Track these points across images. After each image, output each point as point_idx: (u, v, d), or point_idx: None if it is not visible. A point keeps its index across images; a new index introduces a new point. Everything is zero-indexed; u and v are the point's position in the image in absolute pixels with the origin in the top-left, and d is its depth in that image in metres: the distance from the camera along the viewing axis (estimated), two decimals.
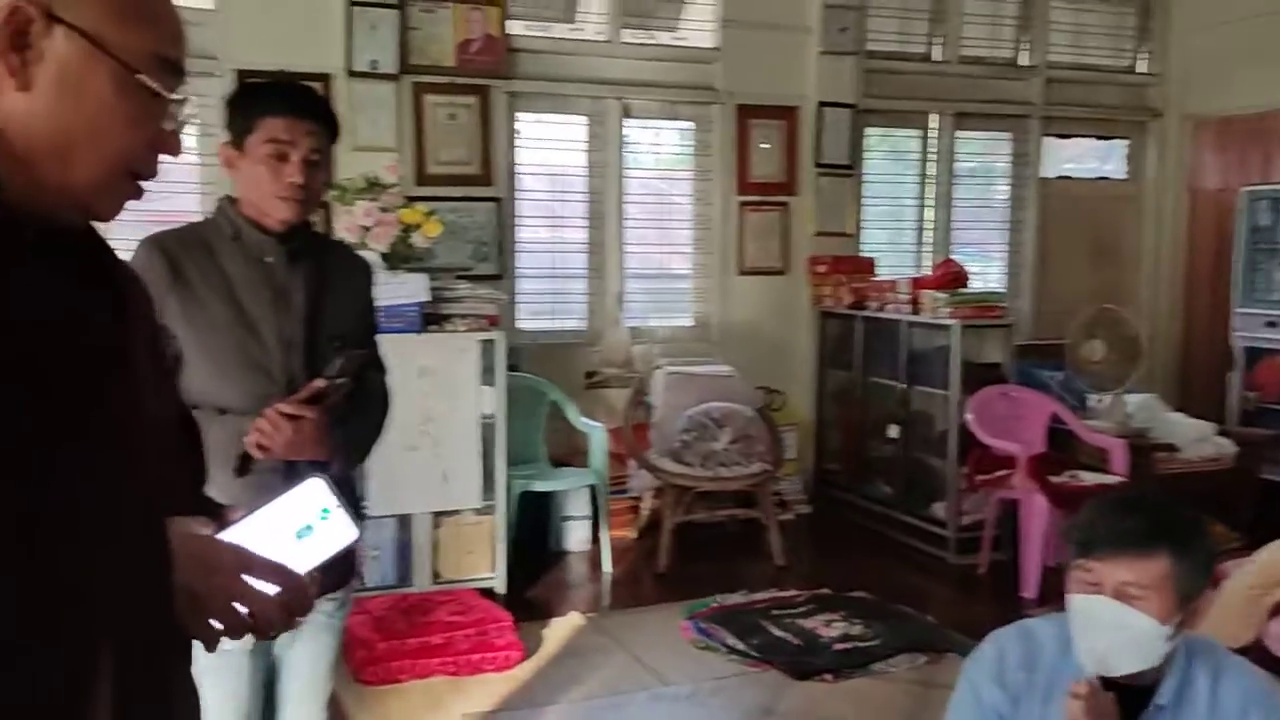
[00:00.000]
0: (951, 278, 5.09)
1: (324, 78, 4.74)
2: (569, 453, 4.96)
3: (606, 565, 4.68)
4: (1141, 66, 6.52)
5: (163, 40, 0.91)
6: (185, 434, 1.16)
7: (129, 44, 0.87)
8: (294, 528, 1.09)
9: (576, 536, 4.89)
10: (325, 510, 1.10)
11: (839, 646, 3.81)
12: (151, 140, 0.92)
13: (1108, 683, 1.63)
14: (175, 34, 0.93)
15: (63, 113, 0.86)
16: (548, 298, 5.44)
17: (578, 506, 4.87)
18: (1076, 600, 1.65)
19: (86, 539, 0.85)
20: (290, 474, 1.95)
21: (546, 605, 4.25)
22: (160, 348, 1.07)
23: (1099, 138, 6.61)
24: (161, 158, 0.94)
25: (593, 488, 4.76)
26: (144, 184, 0.94)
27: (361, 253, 2.51)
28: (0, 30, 0.83)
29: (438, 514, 4.13)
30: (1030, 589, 4.40)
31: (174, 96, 0.92)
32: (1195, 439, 4.81)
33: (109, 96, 0.87)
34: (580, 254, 5.47)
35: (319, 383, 1.87)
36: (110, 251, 0.97)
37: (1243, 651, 3.41)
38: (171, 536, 0.96)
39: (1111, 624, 1.61)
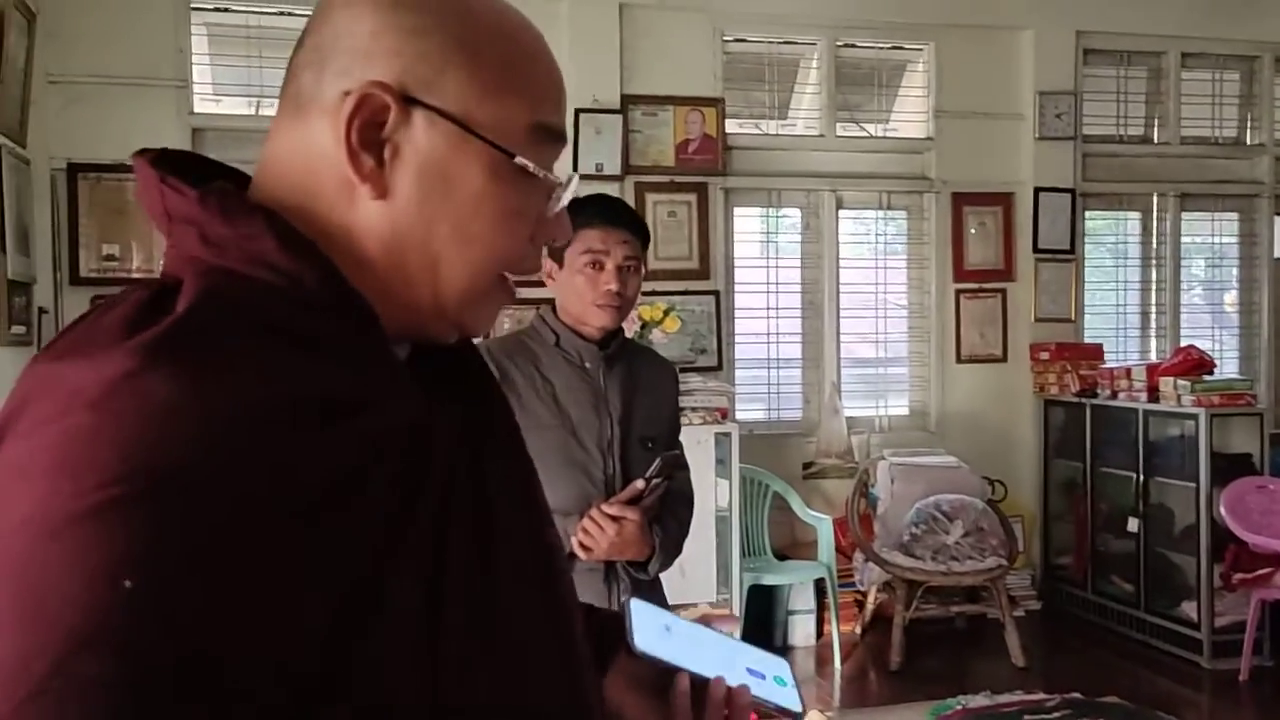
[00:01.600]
0: (1194, 364, 4.86)
1: None
2: (791, 545, 4.93)
3: (838, 661, 4.59)
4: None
5: (540, 106, 0.74)
6: None
7: (502, 120, 0.71)
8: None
9: (802, 631, 4.83)
10: (780, 679, 1.00)
11: None
12: (533, 231, 0.76)
13: None
14: (554, 94, 0.76)
15: (429, 216, 0.70)
16: (764, 389, 5.48)
17: (803, 600, 4.82)
18: None
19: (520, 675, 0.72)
20: (608, 575, 2.02)
21: None
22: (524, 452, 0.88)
23: None
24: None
25: (819, 581, 4.71)
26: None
27: None
28: (349, 127, 0.68)
29: (674, 608, 4.14)
30: None
31: (555, 176, 0.75)
32: None
33: (481, 187, 0.71)
34: (796, 344, 5.50)
35: (639, 484, 1.95)
36: (480, 359, 0.84)
37: None
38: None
39: None
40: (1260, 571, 4.34)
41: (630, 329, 4.04)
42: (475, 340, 0.87)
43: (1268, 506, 4.54)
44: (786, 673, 1.02)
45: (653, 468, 1.96)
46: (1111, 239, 6.01)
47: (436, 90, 0.69)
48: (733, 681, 0.93)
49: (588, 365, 2.03)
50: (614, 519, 1.91)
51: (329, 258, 0.68)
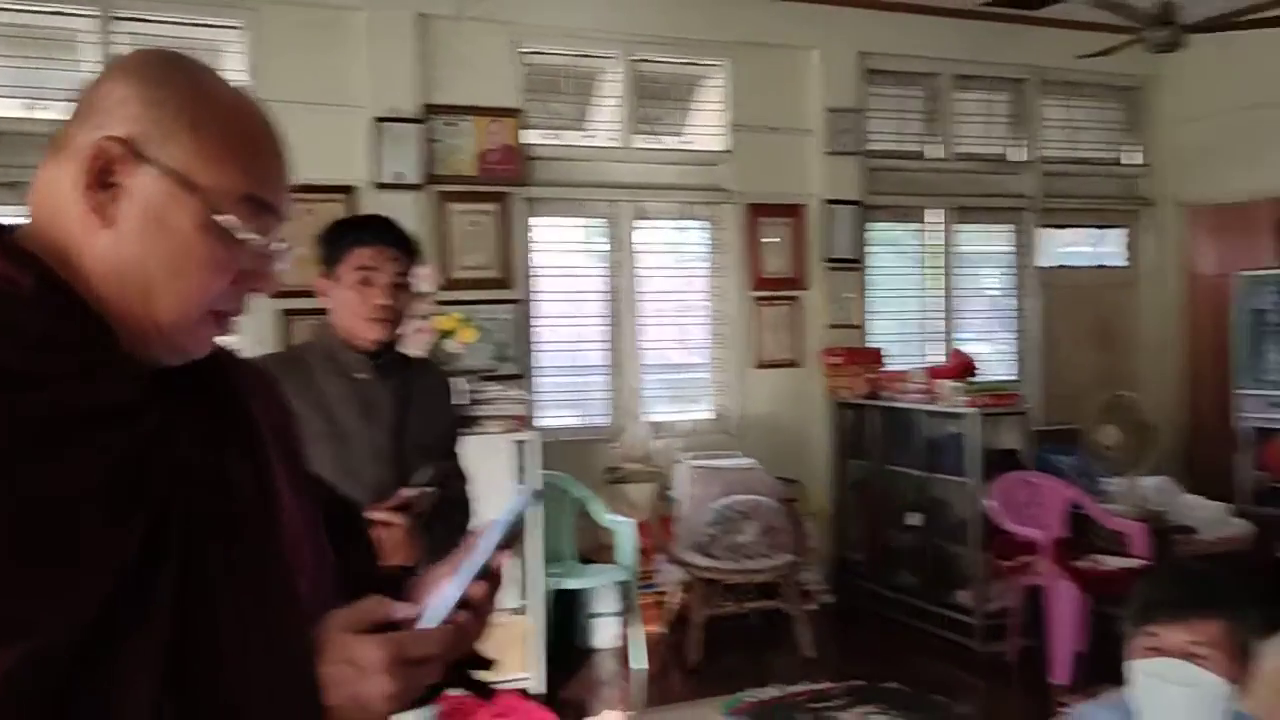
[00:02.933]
0: (962, 367, 5.21)
1: (350, 190, 4.91)
2: (594, 549, 5.00)
3: (639, 662, 4.68)
4: (1132, 158, 6.77)
5: (255, 180, 0.90)
6: (345, 519, 1.19)
7: (218, 186, 0.87)
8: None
9: (605, 633, 4.90)
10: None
11: None
12: (236, 279, 0.91)
13: None
14: (272, 174, 0.92)
15: (144, 250, 0.86)
16: (567, 395, 5.54)
17: (605, 603, 4.90)
18: (1143, 665, 1.72)
19: (239, 660, 0.85)
20: None
21: (583, 705, 4.25)
22: (296, 444, 1.07)
23: (1096, 227, 6.82)
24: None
25: (622, 583, 4.79)
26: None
27: None
28: (87, 166, 0.85)
29: None
30: (1062, 674, 4.41)
31: (256, 238, 0.90)
32: (1212, 520, 4.89)
33: (189, 235, 0.87)
34: (599, 352, 5.58)
35: (406, 491, 1.98)
36: (232, 363, 0.99)
37: None
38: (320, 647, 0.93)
39: (1180, 682, 1.67)
40: (1022, 559, 4.68)
41: (424, 341, 4.02)
42: (245, 356, 1.07)
43: (1032, 499, 4.90)
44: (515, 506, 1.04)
45: (418, 475, 2.00)
46: (894, 249, 6.36)
47: (164, 151, 0.87)
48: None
49: (360, 376, 2.10)
50: (382, 524, 1.92)
51: (51, 268, 0.85)
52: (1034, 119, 6.48)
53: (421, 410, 2.14)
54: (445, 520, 2.09)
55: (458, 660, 1.01)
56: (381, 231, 2.11)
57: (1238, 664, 1.69)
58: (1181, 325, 6.64)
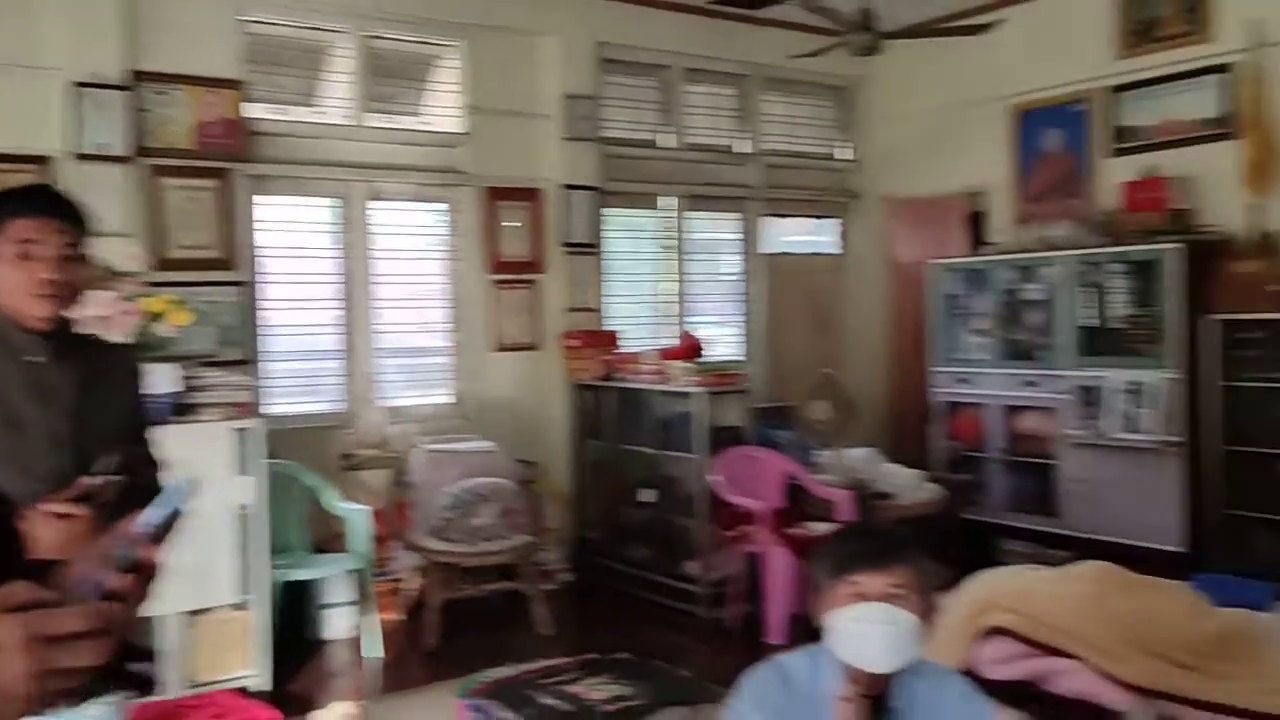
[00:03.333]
0: (691, 348, 5.45)
1: (44, 160, 4.54)
2: (329, 538, 4.88)
3: (373, 650, 4.62)
4: (844, 153, 7.28)
5: None
6: None
7: None
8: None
9: (339, 624, 4.80)
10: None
11: (608, 708, 3.95)
12: None
13: None
14: None
15: None
16: (300, 381, 5.36)
17: (339, 593, 4.79)
18: (848, 611, 1.90)
19: None
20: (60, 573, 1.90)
21: (313, 699, 4.15)
22: None
23: (813, 217, 7.30)
24: None
25: (356, 572, 4.70)
26: None
27: None
28: None
29: (192, 613, 3.96)
30: (777, 635, 4.73)
31: None
32: (909, 486, 5.37)
33: None
34: (332, 336, 5.43)
35: (87, 480, 1.87)
36: None
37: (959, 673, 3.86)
38: None
39: (883, 621, 1.88)
40: (745, 529, 4.98)
41: (130, 324, 3.77)
42: None
43: (753, 472, 5.22)
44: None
45: (101, 462, 1.89)
46: (630, 234, 6.55)
47: None
48: None
49: (34, 359, 1.95)
50: (60, 516, 1.81)
51: None
52: (756, 113, 6.85)
53: (104, 394, 2.02)
54: (132, 509, 1.99)
55: (116, 653, 0.98)
56: (44, 202, 1.98)
57: (925, 603, 1.94)
58: (885, 309, 7.24)
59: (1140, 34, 5.79)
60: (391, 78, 5.60)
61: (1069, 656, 3.57)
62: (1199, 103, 5.58)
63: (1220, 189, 5.42)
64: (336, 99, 5.45)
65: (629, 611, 5.35)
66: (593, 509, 5.98)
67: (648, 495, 5.54)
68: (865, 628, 1.88)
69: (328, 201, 5.44)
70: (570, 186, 5.98)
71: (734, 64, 6.69)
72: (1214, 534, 5.25)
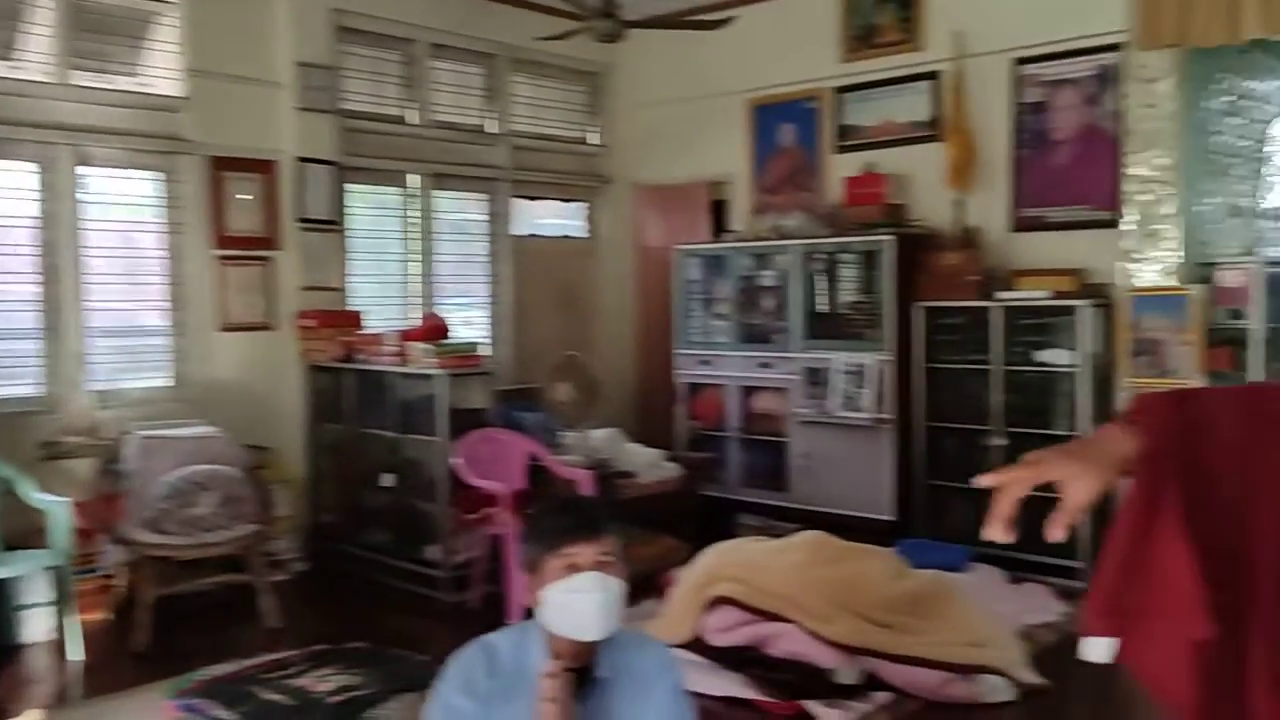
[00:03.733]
0: (434, 329, 5.36)
1: None
2: (27, 533, 4.46)
3: (75, 653, 4.27)
4: (593, 138, 7.37)
5: None
6: None
7: None
8: None
9: (38, 626, 4.41)
10: None
11: (334, 699, 3.83)
12: None
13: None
14: None
15: None
16: None
17: (39, 592, 4.40)
18: (561, 584, 1.92)
19: None
20: None
21: (5, 708, 3.79)
22: None
23: (563, 200, 7.34)
24: None
25: (55, 569, 4.33)
26: None
27: None
28: None
29: None
30: (517, 616, 4.74)
31: None
32: (649, 465, 5.52)
33: None
34: (32, 313, 4.96)
35: None
36: None
37: (686, 644, 4.01)
38: None
39: (597, 589, 1.93)
40: (487, 511, 4.95)
41: None
42: None
43: (493, 454, 5.20)
44: None
45: None
46: (375, 212, 6.36)
47: None
48: None
49: None
50: None
51: None
52: (505, 94, 6.81)
53: None
54: None
55: None
56: None
57: (626, 569, 2.01)
58: (633, 293, 7.39)
59: (861, 39, 6.18)
60: (102, 33, 5.17)
61: (784, 620, 3.78)
62: (912, 106, 6.02)
63: (929, 186, 5.87)
64: (36, 53, 4.97)
65: (368, 599, 5.22)
66: (330, 495, 5.78)
67: (388, 480, 5.41)
68: (581, 597, 1.92)
69: (29, 166, 4.96)
70: (306, 160, 5.73)
71: (481, 42, 6.61)
72: (920, 503, 5.70)
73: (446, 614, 5.02)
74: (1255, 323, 5.21)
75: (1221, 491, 1.16)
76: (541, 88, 7.06)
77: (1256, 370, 5.17)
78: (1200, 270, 5.28)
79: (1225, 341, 5.26)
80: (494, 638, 2.07)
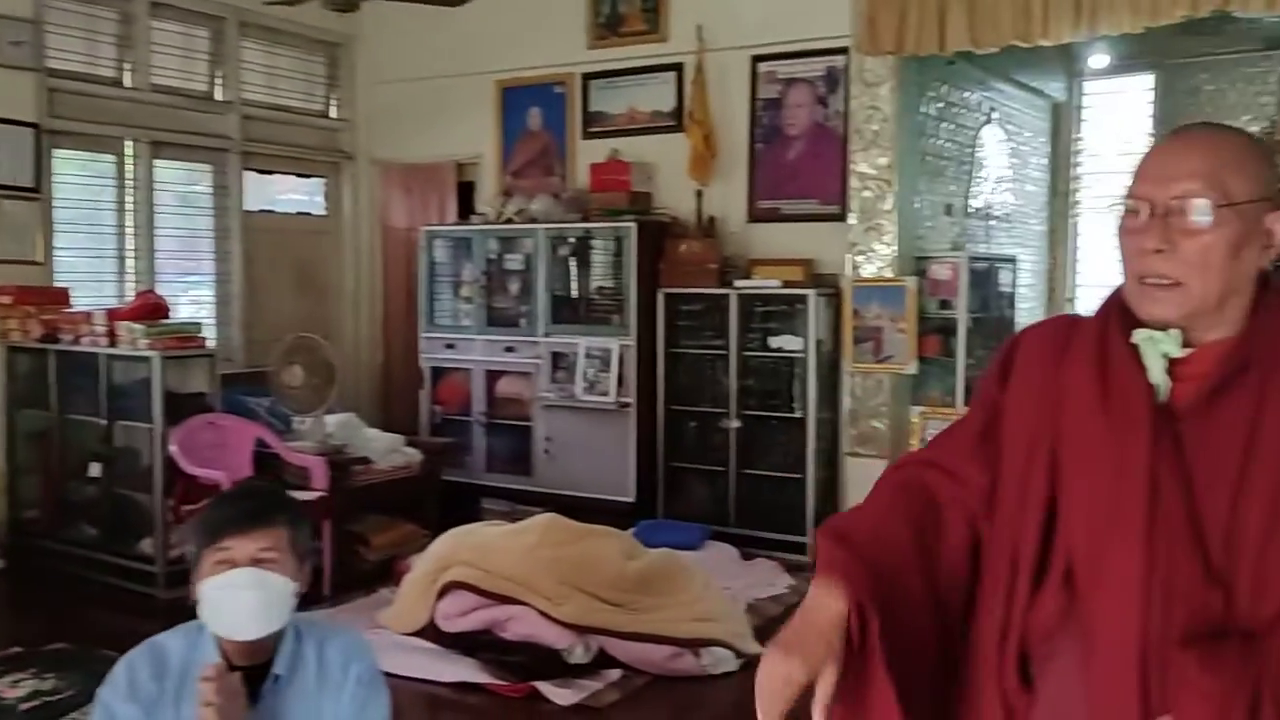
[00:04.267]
0: (150, 308, 4.99)
1: None
2: None
3: None
4: (334, 112, 7.07)
5: None
6: None
7: None
8: None
9: None
10: None
11: (26, 706, 3.51)
12: None
13: (231, 666, 1.82)
14: None
15: None
16: None
17: None
18: (214, 580, 1.80)
19: None
20: None
21: None
22: None
23: (299, 175, 7.01)
24: None
25: None
26: None
27: None
28: None
29: None
30: None
31: None
32: (387, 451, 5.36)
33: None
34: None
35: None
36: None
37: (421, 631, 3.93)
38: None
39: (250, 586, 1.80)
40: (206, 502, 4.65)
41: None
42: None
43: (217, 441, 4.89)
44: None
45: None
46: (87, 180, 5.83)
47: None
48: None
49: None
50: None
51: None
52: (235, 60, 6.41)
53: None
54: None
55: None
56: None
57: (300, 565, 1.89)
58: (378, 274, 7.17)
59: (608, 27, 6.24)
60: None
61: (518, 603, 3.77)
62: (656, 96, 6.14)
63: (673, 175, 6.01)
64: None
65: (75, 598, 4.79)
66: (30, 487, 5.27)
67: (96, 469, 4.98)
68: (232, 594, 1.81)
69: None
70: (0, 120, 5.17)
71: (207, 3, 6.20)
72: (660, 485, 5.85)
73: (163, 611, 4.67)
74: (961, 313, 5.68)
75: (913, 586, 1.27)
76: (277, 55, 6.70)
77: (962, 355, 5.64)
78: (916, 263, 5.70)
79: (937, 330, 5.71)
80: (164, 638, 1.92)
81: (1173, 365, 1.23)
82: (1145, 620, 1.15)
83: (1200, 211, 1.18)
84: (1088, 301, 8.13)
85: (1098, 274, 8.07)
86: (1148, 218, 1.21)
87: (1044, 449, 1.27)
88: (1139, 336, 1.24)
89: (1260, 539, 1.13)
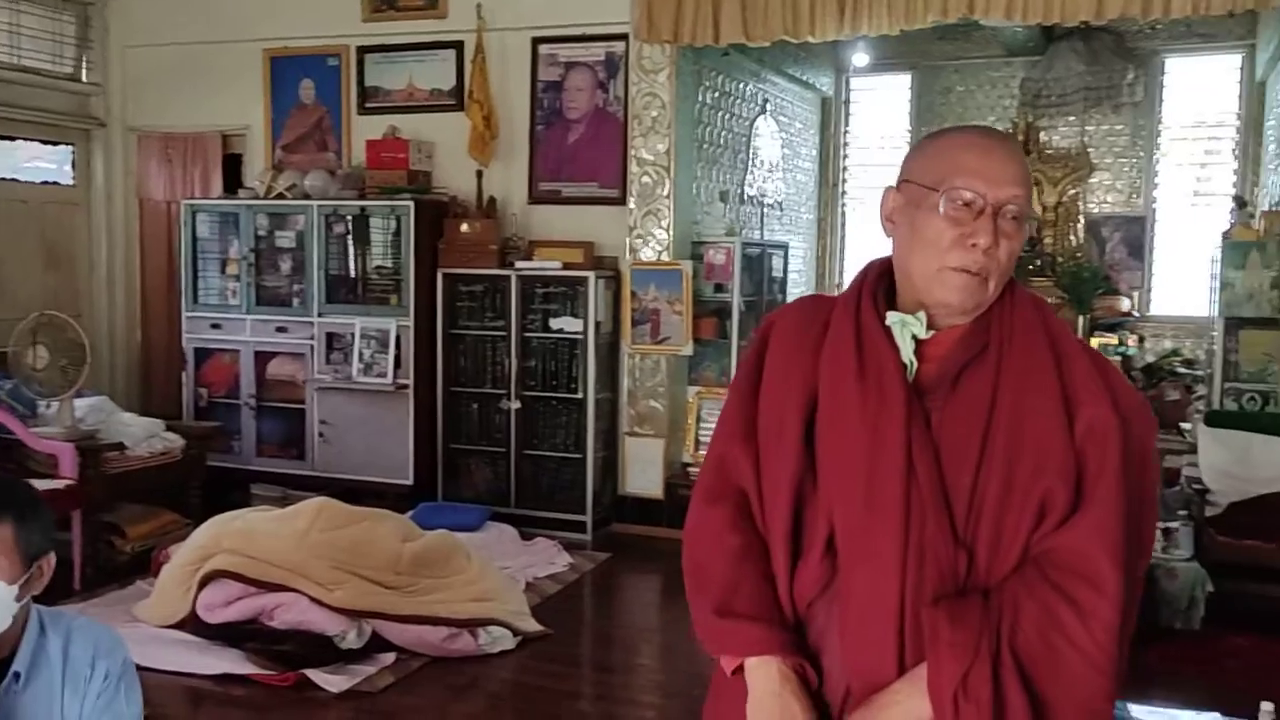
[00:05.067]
0: None
1: None
2: None
3: None
4: (85, 76, 6.56)
5: None
6: None
7: None
8: None
9: None
10: None
11: None
12: None
13: None
14: None
15: None
16: None
17: None
18: None
19: None
20: None
21: None
22: None
23: (46, 142, 6.46)
24: None
25: None
26: None
27: None
28: None
29: None
30: None
31: None
32: (145, 436, 5.05)
33: None
34: None
35: None
36: None
37: (181, 623, 3.75)
38: None
39: None
40: None
41: None
42: None
43: None
44: None
45: None
46: None
47: None
48: None
49: None
50: None
51: None
52: None
53: None
54: None
55: None
56: None
57: (21, 565, 1.74)
58: (134, 249, 6.72)
59: (384, 0, 6.08)
60: None
61: (287, 590, 3.65)
62: (436, 73, 6.04)
63: (453, 155, 5.93)
64: None
65: None
66: None
67: None
68: None
69: None
70: None
71: None
72: (440, 467, 5.79)
73: None
74: (735, 296, 5.90)
75: None
76: (21, 13, 6.14)
77: (736, 336, 5.87)
78: (692, 248, 5.87)
79: (712, 312, 5.91)
80: None
81: (918, 346, 1.32)
82: (903, 584, 1.25)
83: (1017, 218, 1.29)
84: None
85: (864, 260, 8.59)
86: (979, 213, 1.29)
87: (796, 427, 1.34)
88: (892, 319, 1.33)
89: (997, 506, 1.25)
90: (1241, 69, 7.42)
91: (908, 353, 1.32)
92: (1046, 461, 1.25)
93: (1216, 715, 2.60)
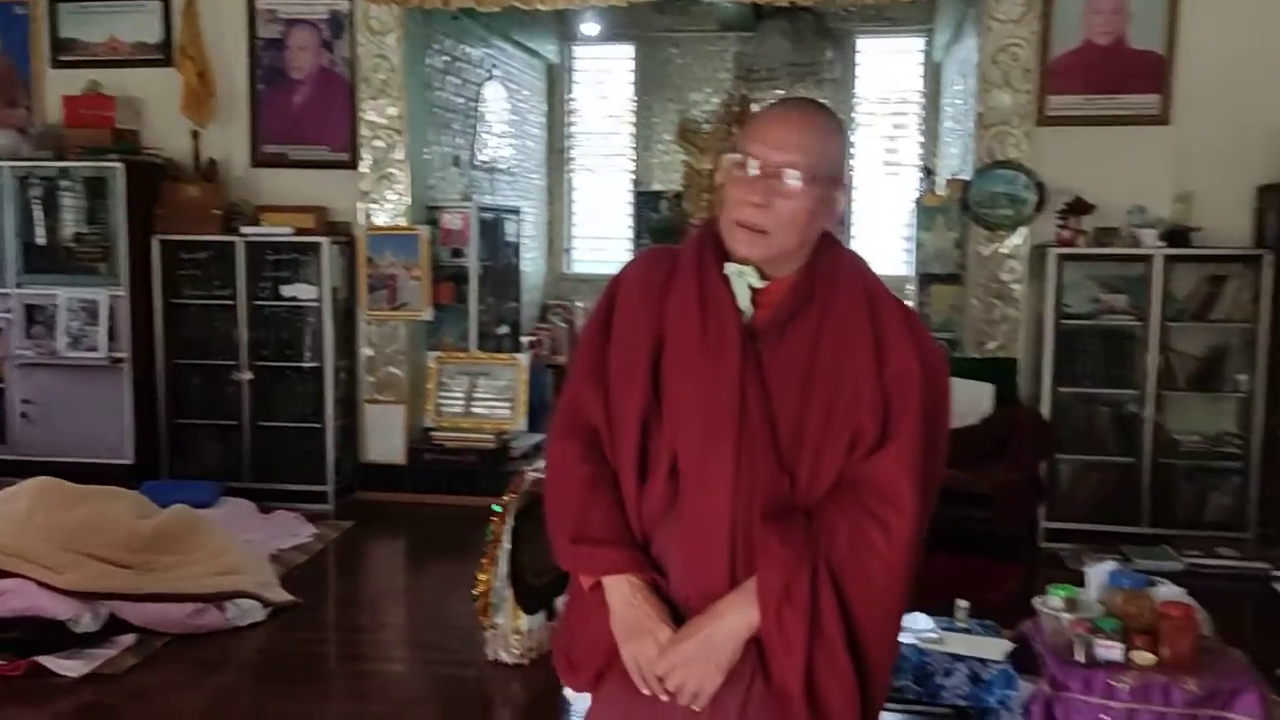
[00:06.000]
0: None
1: None
2: None
3: None
4: None
5: None
6: None
7: None
8: None
9: None
10: None
11: None
12: None
13: None
14: None
15: None
16: None
17: None
18: None
19: None
20: None
21: None
22: None
23: None
24: None
25: None
26: None
27: None
28: None
29: None
30: None
31: None
32: None
33: None
34: None
35: None
36: None
37: None
38: None
39: None
40: None
41: None
42: None
43: None
44: None
45: None
46: None
47: None
48: None
49: None
50: None
51: None
52: None
53: None
54: None
55: None
56: None
57: None
58: None
59: None
60: None
61: (11, 576, 3.39)
62: (140, 25, 5.63)
63: (165, 114, 5.57)
64: None
65: None
66: None
67: None
68: None
69: None
70: None
71: None
72: (166, 443, 5.48)
73: None
74: (473, 260, 5.94)
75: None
76: None
77: (474, 300, 5.90)
78: (428, 213, 5.84)
79: (450, 277, 5.91)
80: None
81: (754, 294, 1.48)
82: (734, 505, 1.42)
83: (794, 179, 1.43)
84: (583, 252, 8.86)
85: (590, 226, 8.82)
86: (755, 175, 1.43)
87: (644, 366, 1.48)
88: (730, 269, 1.48)
89: (817, 438, 1.43)
90: (925, 51, 8.23)
91: (744, 300, 1.47)
92: (859, 399, 1.44)
93: (920, 614, 2.96)
